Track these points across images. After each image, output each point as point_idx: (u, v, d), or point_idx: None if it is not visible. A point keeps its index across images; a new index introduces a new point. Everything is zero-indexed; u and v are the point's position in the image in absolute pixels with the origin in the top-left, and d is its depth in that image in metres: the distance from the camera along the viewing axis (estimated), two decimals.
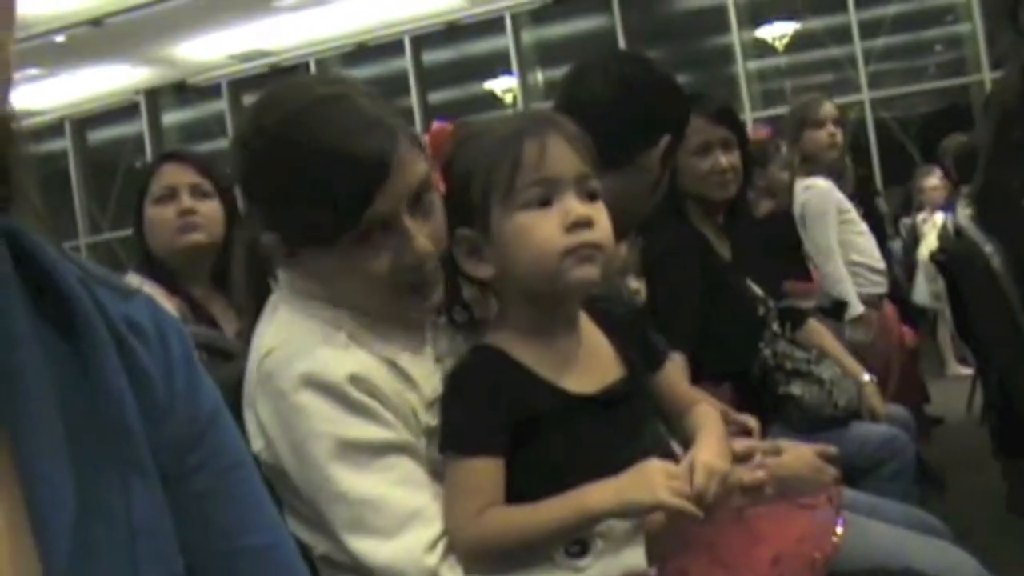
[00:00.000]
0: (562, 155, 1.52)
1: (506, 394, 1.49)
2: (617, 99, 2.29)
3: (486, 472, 1.45)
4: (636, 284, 2.62)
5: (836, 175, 4.56)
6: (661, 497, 1.40)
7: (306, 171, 1.44)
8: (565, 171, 1.51)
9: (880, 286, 4.50)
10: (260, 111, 1.51)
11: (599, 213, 1.53)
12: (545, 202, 1.50)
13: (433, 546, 1.42)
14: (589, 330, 1.62)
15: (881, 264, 4.63)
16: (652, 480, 1.41)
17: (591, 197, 1.53)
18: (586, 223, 1.50)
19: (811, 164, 4.53)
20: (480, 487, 1.44)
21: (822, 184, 4.44)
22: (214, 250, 2.77)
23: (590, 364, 1.58)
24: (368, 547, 1.41)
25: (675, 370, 1.87)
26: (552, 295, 1.54)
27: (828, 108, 4.63)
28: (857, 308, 4.32)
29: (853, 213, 4.51)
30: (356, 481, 1.42)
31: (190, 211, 2.73)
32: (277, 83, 1.61)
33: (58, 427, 0.75)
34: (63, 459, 0.74)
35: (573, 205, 1.50)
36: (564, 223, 1.49)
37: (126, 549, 0.77)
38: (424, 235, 1.50)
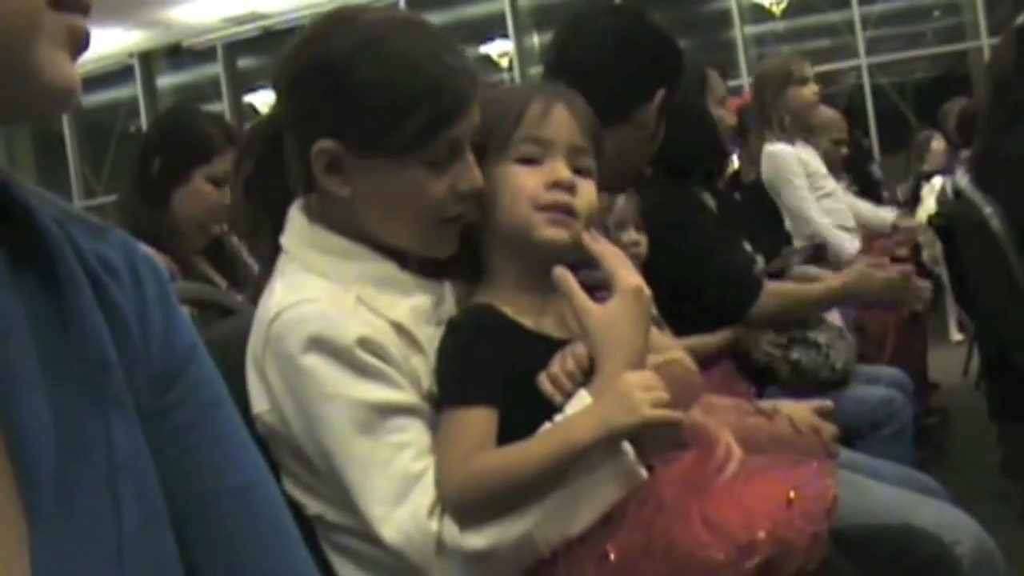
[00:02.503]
0: (563, 122, 1.57)
1: (498, 346, 1.49)
2: (611, 56, 2.27)
3: (477, 421, 1.43)
4: (636, 236, 2.62)
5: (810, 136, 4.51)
6: (645, 414, 1.39)
7: (401, 77, 1.46)
8: (561, 137, 1.56)
9: (854, 242, 4.46)
10: (344, 15, 1.53)
11: (585, 186, 1.56)
12: (536, 160, 1.55)
13: (434, 509, 1.40)
14: None
15: (851, 223, 4.60)
16: (631, 398, 1.39)
17: (579, 172, 1.56)
18: (568, 187, 1.53)
19: (792, 125, 4.45)
20: (469, 434, 1.43)
21: (783, 149, 4.37)
22: None
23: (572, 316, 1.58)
24: (379, 512, 1.39)
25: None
26: (525, 248, 1.55)
27: (808, 66, 4.57)
28: (848, 249, 4.32)
29: (821, 177, 4.46)
30: (365, 444, 1.40)
31: (227, 208, 2.74)
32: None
33: (35, 365, 0.74)
34: (41, 397, 0.73)
35: (560, 168, 1.54)
36: (547, 181, 1.53)
37: (108, 485, 0.76)
38: (478, 172, 1.53)
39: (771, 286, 2.97)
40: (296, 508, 1.45)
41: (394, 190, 1.50)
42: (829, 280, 3.16)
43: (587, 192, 1.56)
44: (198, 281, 2.67)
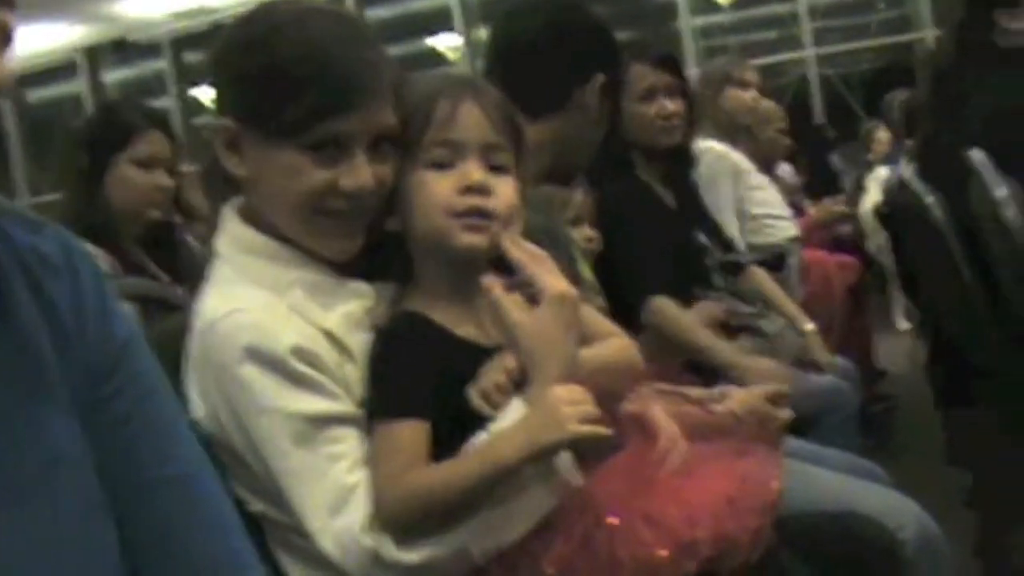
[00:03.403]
0: (473, 121, 1.52)
1: (428, 357, 1.47)
2: (545, 40, 2.31)
3: (409, 434, 1.42)
4: (590, 232, 2.62)
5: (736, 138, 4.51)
6: (572, 431, 1.37)
7: (298, 60, 1.45)
8: (472, 137, 1.52)
9: (789, 230, 4.47)
10: (268, 4, 1.55)
11: (501, 185, 1.52)
12: (447, 164, 1.51)
13: (368, 525, 1.40)
14: None
15: (785, 211, 4.60)
16: (558, 415, 1.38)
17: (496, 169, 1.53)
18: (480, 189, 1.50)
19: (728, 126, 4.44)
20: (402, 449, 1.41)
21: (717, 148, 4.37)
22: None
23: None
24: (316, 525, 1.40)
25: (588, 307, 1.73)
26: (444, 255, 1.53)
27: (752, 72, 4.58)
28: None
29: (750, 174, 4.46)
30: (301, 456, 1.40)
31: (165, 189, 2.82)
32: None
33: None
34: None
35: (472, 171, 1.50)
36: (459, 186, 1.50)
37: (44, 479, 0.76)
38: (369, 173, 1.49)
39: (679, 311, 2.82)
40: (242, 504, 1.45)
41: (273, 172, 1.50)
42: (735, 351, 2.84)
43: (504, 190, 1.52)
44: (135, 271, 2.68)
